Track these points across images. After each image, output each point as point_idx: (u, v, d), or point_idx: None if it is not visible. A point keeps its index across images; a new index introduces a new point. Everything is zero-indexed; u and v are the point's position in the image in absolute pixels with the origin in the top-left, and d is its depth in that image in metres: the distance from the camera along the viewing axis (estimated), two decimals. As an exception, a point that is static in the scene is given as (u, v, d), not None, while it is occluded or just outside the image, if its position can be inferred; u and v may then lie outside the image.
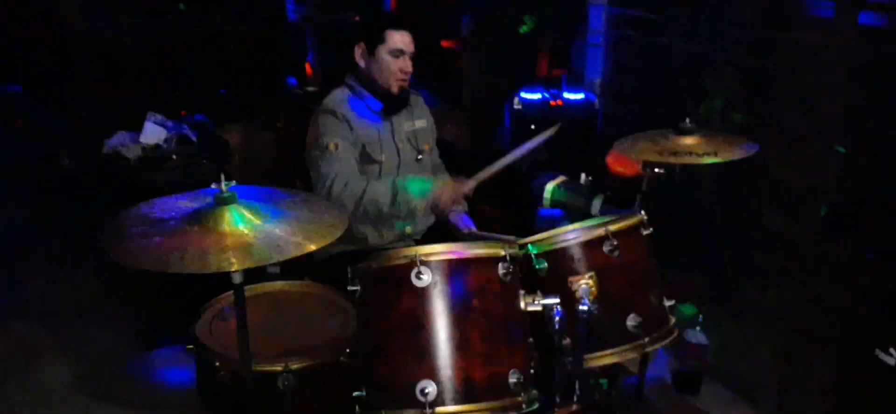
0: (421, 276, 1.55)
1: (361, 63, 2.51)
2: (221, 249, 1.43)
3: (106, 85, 4.32)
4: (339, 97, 2.53)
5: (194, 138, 3.43)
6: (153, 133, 3.30)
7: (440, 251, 1.58)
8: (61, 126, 4.30)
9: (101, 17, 4.23)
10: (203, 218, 1.49)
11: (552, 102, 3.28)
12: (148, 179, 3.16)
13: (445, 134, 3.04)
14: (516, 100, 3.32)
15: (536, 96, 3.32)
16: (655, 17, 3.17)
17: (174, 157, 3.31)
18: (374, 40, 2.46)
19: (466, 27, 4.40)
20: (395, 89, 2.50)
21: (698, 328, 3.01)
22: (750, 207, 2.87)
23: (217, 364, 1.88)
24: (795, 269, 2.76)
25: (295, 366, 1.85)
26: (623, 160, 2.53)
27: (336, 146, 2.40)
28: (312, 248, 1.46)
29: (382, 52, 2.45)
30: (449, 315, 1.55)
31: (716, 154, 2.11)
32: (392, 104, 2.54)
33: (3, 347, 3.20)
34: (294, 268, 2.42)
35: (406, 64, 2.48)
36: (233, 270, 1.41)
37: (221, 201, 1.50)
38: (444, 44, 4.99)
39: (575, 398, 1.78)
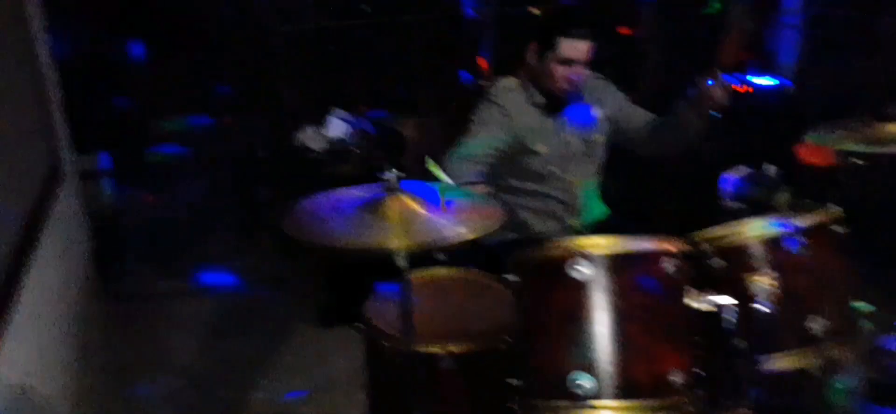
0: (579, 268, 1.51)
1: (532, 62, 2.50)
2: (385, 232, 1.53)
3: (298, 83, 4.70)
4: (503, 86, 2.56)
5: (373, 132, 3.62)
6: (337, 127, 3.52)
7: (601, 244, 1.53)
8: (261, 122, 4.74)
9: (293, 20, 4.58)
10: (372, 206, 1.57)
11: (739, 88, 3.03)
12: (332, 170, 3.39)
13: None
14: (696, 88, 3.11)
15: (720, 83, 3.08)
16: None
17: (356, 150, 3.52)
18: (546, 46, 2.42)
19: (646, 11, 4.22)
20: (559, 94, 2.47)
21: (899, 336, 2.66)
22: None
23: (383, 343, 1.97)
24: None
25: (455, 349, 1.90)
26: (816, 150, 2.29)
27: (476, 129, 2.47)
28: (470, 237, 1.48)
29: (552, 59, 2.42)
30: (607, 309, 1.50)
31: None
32: (556, 103, 2.51)
33: (194, 318, 3.60)
34: (460, 255, 2.48)
35: (575, 72, 2.43)
36: (394, 248, 1.48)
37: (389, 190, 1.57)
38: (621, 30, 4.83)
39: (748, 403, 1.64)
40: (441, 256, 2.47)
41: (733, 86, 3.07)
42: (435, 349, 1.90)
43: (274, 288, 3.84)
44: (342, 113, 3.60)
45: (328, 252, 1.60)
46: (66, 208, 2.96)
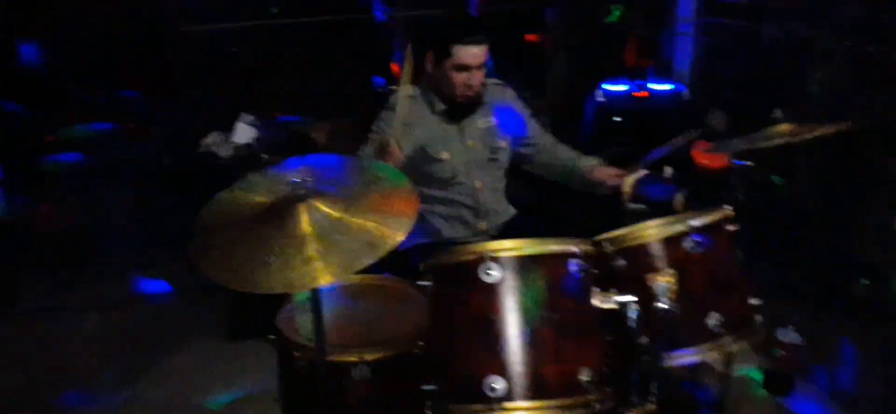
0: (490, 271, 1.54)
1: (430, 70, 2.51)
2: (306, 261, 1.41)
3: (207, 87, 4.55)
4: (404, 94, 2.49)
5: (283, 137, 3.55)
6: (244, 133, 3.44)
7: (509, 247, 1.56)
8: (165, 128, 4.56)
9: (203, 21, 4.44)
10: (280, 217, 1.51)
11: (636, 94, 3.17)
12: (238, 177, 3.28)
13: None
14: (599, 92, 3.24)
15: (621, 88, 3.22)
16: (751, 1, 3.02)
17: (264, 155, 3.44)
18: (441, 54, 2.44)
19: (551, 19, 4.34)
20: (460, 100, 2.49)
21: (791, 327, 2.85)
22: (851, 202, 2.69)
23: (295, 354, 1.94)
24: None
25: (369, 357, 1.88)
26: (710, 153, 2.43)
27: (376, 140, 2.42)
28: (401, 239, 1.44)
29: (448, 66, 2.43)
30: (517, 312, 1.54)
31: (807, 134, 1.99)
32: (458, 110, 2.52)
33: (99, 332, 3.43)
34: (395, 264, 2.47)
35: (472, 78, 2.44)
36: (323, 284, 1.41)
37: (297, 198, 1.53)
38: (529, 37, 4.95)
39: (652, 398, 1.72)
40: None
41: (634, 92, 3.23)
42: (348, 358, 1.88)
43: (181, 300, 3.71)
44: (250, 118, 3.52)
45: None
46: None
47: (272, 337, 2.07)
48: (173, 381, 3.05)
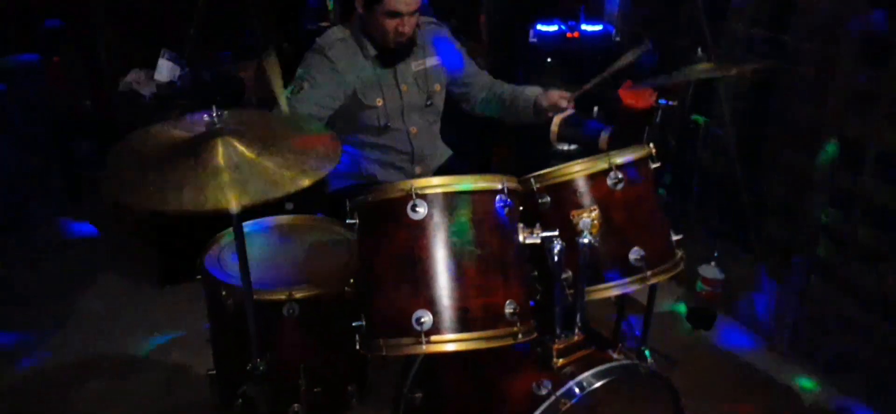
0: (416, 208, 1.55)
1: (360, 10, 2.38)
2: (219, 187, 1.42)
3: (128, 25, 4.33)
4: (332, 37, 2.43)
5: (208, 76, 3.44)
6: (167, 70, 3.31)
7: (436, 184, 1.57)
8: (86, 67, 4.33)
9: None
10: (198, 150, 1.49)
11: (569, 34, 3.19)
12: (161, 117, 3.17)
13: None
14: (531, 33, 3.24)
15: (553, 29, 3.23)
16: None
17: (187, 93, 3.33)
18: None
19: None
20: (392, 46, 2.39)
21: (713, 263, 2.99)
22: (769, 142, 2.80)
23: (223, 293, 1.93)
24: (813, 205, 2.70)
25: (299, 295, 1.90)
26: (634, 93, 2.48)
27: (306, 86, 2.35)
28: (307, 183, 1.46)
29: (379, 12, 2.31)
30: (444, 247, 1.55)
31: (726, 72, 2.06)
32: (390, 55, 2.43)
33: (32, 282, 3.32)
34: (307, 203, 2.45)
35: (404, 24, 2.33)
36: (231, 208, 1.41)
37: (214, 133, 1.50)
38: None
39: (577, 330, 1.78)
40: (289, 206, 2.42)
41: (566, 33, 3.24)
42: (277, 296, 1.88)
43: (109, 245, 3.61)
44: (172, 55, 3.38)
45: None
46: None
47: (199, 277, 2.05)
48: (103, 325, 2.99)
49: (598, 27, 3.22)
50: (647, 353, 2.43)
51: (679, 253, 1.92)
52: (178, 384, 2.65)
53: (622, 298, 2.72)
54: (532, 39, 3.22)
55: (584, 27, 3.21)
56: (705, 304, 3.04)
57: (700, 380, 2.70)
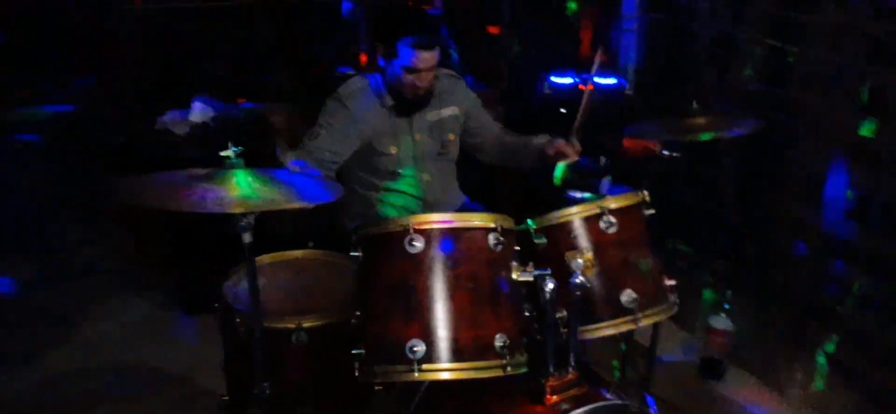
0: (414, 243, 1.65)
1: (381, 62, 2.49)
2: (224, 198, 1.61)
3: (167, 73, 4.60)
4: (353, 87, 2.55)
5: (240, 119, 3.62)
6: (201, 111, 3.50)
7: (433, 220, 1.68)
8: (122, 110, 4.60)
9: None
10: (213, 178, 1.64)
11: (582, 87, 3.30)
12: (193, 155, 3.36)
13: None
14: (546, 84, 3.36)
15: (567, 80, 3.35)
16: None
17: (219, 135, 3.49)
18: (392, 53, 2.41)
19: (506, 11, 4.45)
20: (409, 98, 2.50)
21: (723, 315, 3.02)
22: (772, 193, 2.85)
23: (237, 321, 2.04)
24: (820, 255, 2.74)
25: (307, 324, 2.00)
26: (639, 143, 2.57)
27: (322, 133, 2.46)
28: (297, 205, 1.64)
29: (398, 66, 2.41)
30: (438, 280, 1.65)
31: (717, 130, 2.14)
32: (406, 106, 2.53)
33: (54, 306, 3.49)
34: (327, 241, 2.57)
35: (421, 79, 2.43)
36: (234, 210, 1.59)
37: (229, 166, 1.64)
38: (491, 29, 5.05)
39: (570, 368, 1.84)
40: (310, 244, 2.54)
41: (579, 85, 3.36)
42: (287, 324, 1.99)
43: (135, 275, 3.78)
44: (206, 98, 3.57)
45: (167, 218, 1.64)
46: None
47: (217, 305, 2.17)
48: (120, 351, 3.14)
49: (612, 80, 3.32)
50: (648, 397, 2.47)
51: (672, 297, 1.99)
52: (191, 410, 2.75)
53: (630, 343, 2.78)
54: (546, 91, 3.34)
55: (597, 80, 3.32)
56: (715, 353, 3.06)
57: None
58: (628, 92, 3.33)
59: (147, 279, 3.71)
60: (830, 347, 2.75)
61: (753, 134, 2.26)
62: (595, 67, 2.41)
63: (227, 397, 2.28)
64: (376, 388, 2.16)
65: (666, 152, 2.36)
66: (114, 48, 4.77)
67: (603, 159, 2.50)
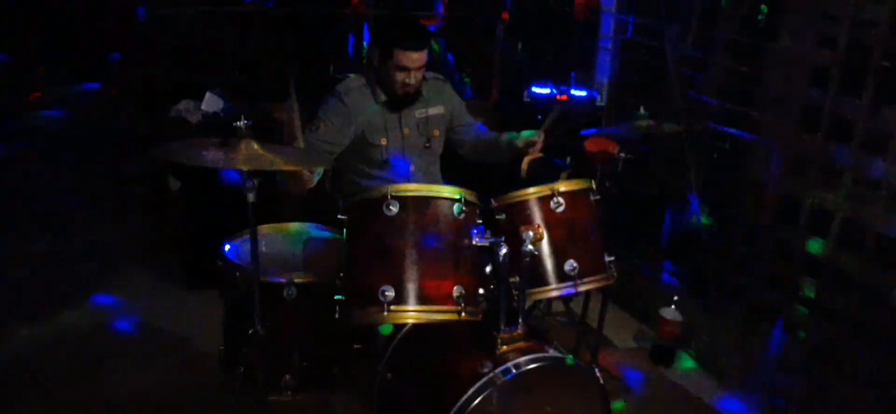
0: (390, 207, 1.98)
1: (375, 62, 2.82)
2: (234, 159, 1.98)
3: (180, 74, 4.96)
4: (351, 84, 2.85)
5: (247, 111, 3.95)
6: (213, 102, 3.83)
7: (408, 189, 2.01)
8: (142, 97, 4.94)
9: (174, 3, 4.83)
10: (226, 145, 1.99)
11: (559, 97, 3.65)
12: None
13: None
14: (526, 94, 3.72)
15: (545, 91, 3.70)
16: (652, 23, 3.52)
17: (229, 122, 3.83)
18: (385, 54, 2.73)
19: (499, 25, 4.79)
20: (399, 94, 2.80)
21: (674, 306, 3.34)
22: (730, 200, 3.19)
23: (237, 274, 2.37)
24: (763, 256, 3.06)
25: (298, 280, 2.33)
26: (598, 142, 2.90)
27: (322, 126, 2.76)
28: (287, 166, 2.03)
29: (390, 65, 2.72)
30: (409, 238, 1.98)
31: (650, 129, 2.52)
32: (397, 101, 2.83)
33: (71, 278, 3.83)
34: (328, 217, 2.87)
35: (410, 77, 2.73)
36: (240, 167, 1.94)
37: (240, 135, 1.99)
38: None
39: (519, 325, 2.16)
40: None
41: (557, 96, 3.71)
42: (279, 280, 2.32)
43: (140, 250, 4.12)
44: (218, 90, 3.91)
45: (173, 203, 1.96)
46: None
47: (219, 263, 2.49)
48: (131, 317, 3.46)
49: (584, 93, 3.68)
50: (596, 370, 2.78)
51: (612, 270, 2.31)
52: (191, 370, 3.08)
53: (584, 325, 3.10)
54: (526, 98, 3.69)
55: (573, 91, 3.67)
56: (666, 342, 3.38)
57: (649, 405, 3.04)
58: (599, 103, 3.68)
59: (153, 257, 4.03)
60: (772, 342, 3.06)
61: (714, 145, 2.59)
62: (552, 114, 2.72)
63: (223, 347, 2.59)
64: (355, 346, 2.51)
65: (622, 154, 2.69)
66: (136, 43, 5.11)
67: (568, 159, 2.82)
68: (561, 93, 3.66)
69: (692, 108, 3.22)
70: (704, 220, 3.27)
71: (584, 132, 2.73)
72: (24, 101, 4.95)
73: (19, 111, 4.89)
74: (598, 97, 3.69)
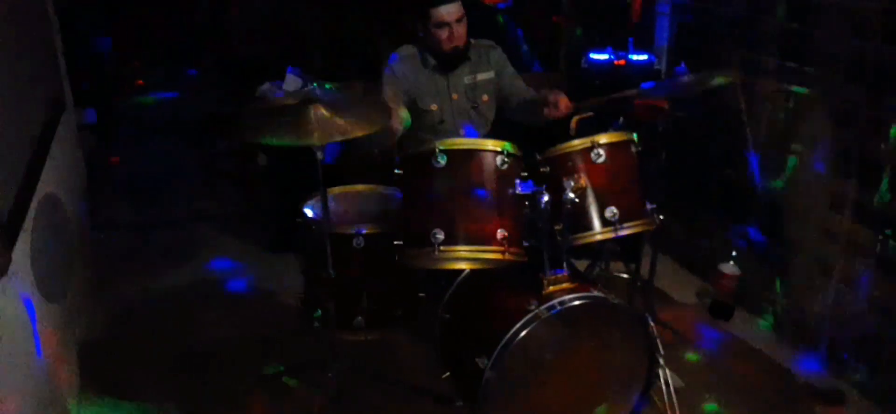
0: (439, 160, 2.21)
1: (419, 30, 3.02)
2: (307, 132, 2.24)
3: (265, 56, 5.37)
4: (402, 53, 3.07)
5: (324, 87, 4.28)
6: (293, 82, 4.17)
7: (455, 143, 2.24)
8: (227, 80, 5.41)
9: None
10: (296, 111, 2.27)
11: (617, 62, 3.76)
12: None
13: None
14: (584, 59, 3.84)
15: (603, 57, 3.81)
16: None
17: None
18: (422, 16, 2.92)
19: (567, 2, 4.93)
20: (447, 51, 2.97)
21: (732, 262, 3.42)
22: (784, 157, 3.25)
23: (313, 227, 2.67)
24: (815, 210, 3.10)
25: (364, 231, 2.60)
26: (648, 102, 3.03)
27: (384, 91, 3.00)
28: (360, 133, 2.26)
29: (430, 26, 2.92)
30: (456, 187, 2.21)
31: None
32: (447, 61, 3.02)
33: (172, 242, 4.31)
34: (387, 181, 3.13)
35: (453, 32, 2.90)
36: (313, 142, 2.20)
37: (310, 100, 2.27)
38: (556, 19, 5.52)
39: (564, 269, 2.35)
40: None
41: (615, 61, 3.82)
42: (348, 230, 2.60)
43: (226, 221, 4.57)
44: (298, 70, 4.25)
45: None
46: (68, 132, 3.51)
47: (299, 219, 2.80)
48: (223, 274, 3.89)
49: (644, 57, 3.77)
50: (649, 319, 2.92)
51: (655, 217, 2.46)
52: (275, 314, 3.45)
53: (641, 279, 3.23)
54: (585, 65, 3.82)
55: (631, 57, 3.77)
56: (724, 297, 3.46)
57: (707, 356, 3.15)
58: (657, 67, 3.76)
59: (243, 224, 4.47)
60: (829, 297, 3.10)
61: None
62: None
63: (303, 294, 2.90)
64: (419, 294, 2.77)
65: (675, 113, 2.82)
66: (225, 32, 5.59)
67: (621, 119, 2.96)
68: (619, 58, 3.77)
69: (748, 66, 3.28)
70: (765, 178, 3.32)
71: (643, 86, 2.86)
72: (128, 88, 5.51)
73: (128, 94, 5.45)
74: (656, 61, 3.78)
